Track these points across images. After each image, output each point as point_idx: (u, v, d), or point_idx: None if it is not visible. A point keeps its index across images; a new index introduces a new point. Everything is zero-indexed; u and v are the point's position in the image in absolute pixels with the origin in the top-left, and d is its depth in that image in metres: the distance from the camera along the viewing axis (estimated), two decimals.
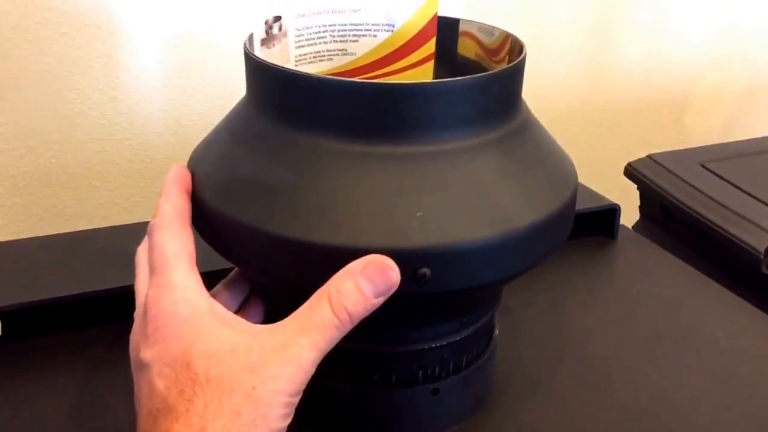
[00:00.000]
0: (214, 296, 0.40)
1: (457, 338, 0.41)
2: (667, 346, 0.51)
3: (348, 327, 0.33)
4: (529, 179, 0.37)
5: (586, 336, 0.52)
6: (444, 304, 0.38)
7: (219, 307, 0.35)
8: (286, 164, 0.35)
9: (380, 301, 0.33)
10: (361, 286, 0.32)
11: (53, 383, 0.47)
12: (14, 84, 0.71)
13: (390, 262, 0.33)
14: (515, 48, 0.41)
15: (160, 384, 0.33)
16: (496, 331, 0.45)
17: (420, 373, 0.41)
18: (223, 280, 0.42)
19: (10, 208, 0.75)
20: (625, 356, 0.50)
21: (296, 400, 0.32)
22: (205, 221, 0.38)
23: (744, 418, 0.45)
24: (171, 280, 0.35)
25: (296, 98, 0.36)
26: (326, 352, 0.33)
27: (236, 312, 0.41)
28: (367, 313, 0.33)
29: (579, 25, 0.96)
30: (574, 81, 0.99)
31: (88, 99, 0.74)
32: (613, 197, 0.65)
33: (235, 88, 0.79)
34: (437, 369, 0.41)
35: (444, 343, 0.40)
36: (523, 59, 0.38)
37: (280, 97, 0.37)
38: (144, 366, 0.34)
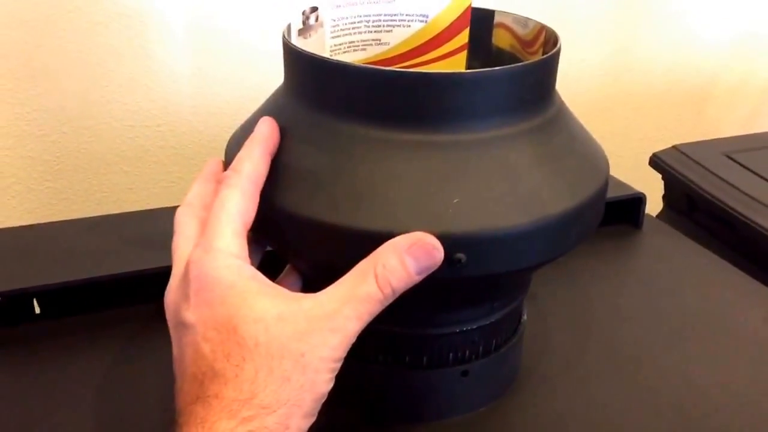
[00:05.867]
0: (284, 278, 0.41)
1: (487, 322, 0.42)
2: (691, 331, 0.52)
3: (390, 300, 0.33)
4: (562, 168, 0.37)
5: (611, 321, 0.53)
6: (477, 288, 0.39)
7: (261, 276, 0.35)
8: (325, 151, 0.36)
9: (422, 277, 0.34)
10: (406, 264, 0.33)
11: (87, 359, 0.48)
12: (49, 72, 0.72)
13: (436, 243, 0.33)
14: (550, 40, 0.42)
15: (205, 348, 0.33)
16: (525, 316, 0.46)
17: (450, 355, 0.42)
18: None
19: (43, 191, 0.77)
20: (649, 341, 0.51)
21: (339, 365, 0.33)
22: None
23: (763, 397, 0.46)
24: (216, 244, 0.35)
25: (335, 87, 0.37)
26: (367, 323, 0.33)
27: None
28: (407, 288, 0.34)
29: (606, 18, 0.96)
30: (600, 72, 0.99)
31: (119, 87, 0.75)
32: (636, 187, 0.65)
33: (262, 77, 0.81)
34: (467, 352, 0.42)
35: (474, 327, 0.41)
36: (558, 51, 0.39)
37: (319, 86, 0.38)
38: (187, 327, 0.34)
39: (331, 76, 0.37)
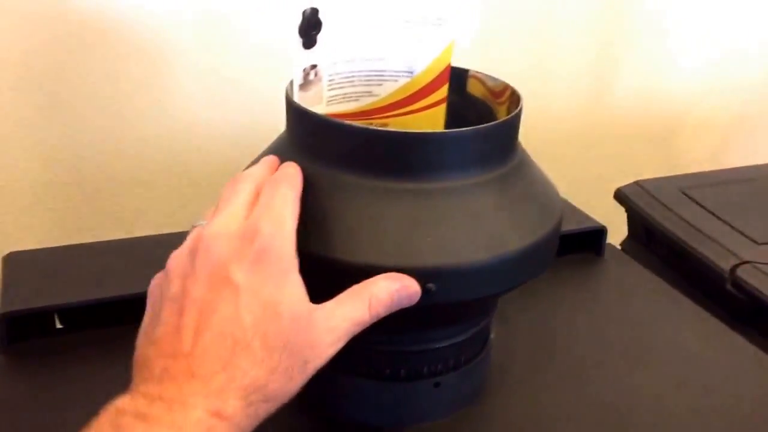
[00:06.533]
0: None
1: (457, 340, 0.48)
2: (641, 351, 0.58)
3: (373, 322, 0.39)
4: (520, 212, 0.44)
5: (571, 341, 0.59)
6: (446, 312, 0.45)
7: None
8: (320, 195, 0.42)
9: (401, 307, 0.40)
10: (393, 300, 0.39)
11: (103, 371, 0.51)
12: (68, 101, 0.77)
13: (417, 288, 0.40)
14: (515, 96, 0.48)
15: (246, 317, 0.35)
16: (492, 335, 0.52)
17: (425, 368, 0.48)
18: None
19: (61, 212, 0.81)
20: (604, 359, 0.57)
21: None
22: None
23: (705, 415, 0.52)
24: (286, 227, 0.38)
25: (329, 141, 0.43)
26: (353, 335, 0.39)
27: None
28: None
29: (579, 57, 1.01)
30: (573, 108, 1.04)
31: (135, 115, 0.80)
32: (607, 215, 0.71)
33: (265, 108, 0.86)
34: (439, 366, 0.48)
35: (446, 345, 0.47)
36: (520, 112, 0.45)
37: (316, 140, 0.43)
38: (232, 285, 0.36)
39: (325, 132, 0.43)
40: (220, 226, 0.39)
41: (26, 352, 0.54)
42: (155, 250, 0.61)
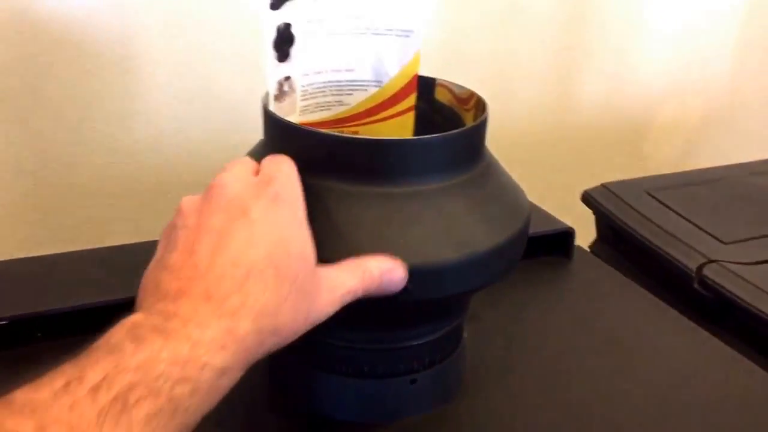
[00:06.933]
0: None
1: (432, 338, 0.49)
2: (611, 351, 0.60)
3: (360, 296, 0.41)
4: (488, 213, 0.46)
5: (542, 340, 0.61)
6: (421, 310, 0.46)
7: None
8: None
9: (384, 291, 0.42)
10: (383, 279, 0.41)
11: None
12: (39, 113, 0.78)
13: (404, 274, 0.41)
14: (480, 102, 0.50)
15: (260, 248, 0.36)
16: (465, 335, 0.54)
17: (401, 366, 0.49)
18: None
19: (33, 223, 0.82)
20: (574, 358, 0.58)
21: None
22: None
23: (675, 412, 0.53)
24: (298, 189, 0.41)
25: (304, 149, 0.44)
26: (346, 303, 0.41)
27: None
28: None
29: (544, 61, 1.03)
30: (539, 113, 1.06)
31: (104, 127, 0.81)
32: (575, 218, 0.73)
33: (234, 117, 0.87)
34: (415, 363, 0.49)
35: (421, 342, 0.49)
36: (485, 118, 0.47)
37: (291, 147, 0.44)
38: (247, 218, 0.38)
39: (299, 140, 0.44)
40: (234, 173, 0.41)
41: (6, 361, 0.55)
42: (128, 259, 0.61)
